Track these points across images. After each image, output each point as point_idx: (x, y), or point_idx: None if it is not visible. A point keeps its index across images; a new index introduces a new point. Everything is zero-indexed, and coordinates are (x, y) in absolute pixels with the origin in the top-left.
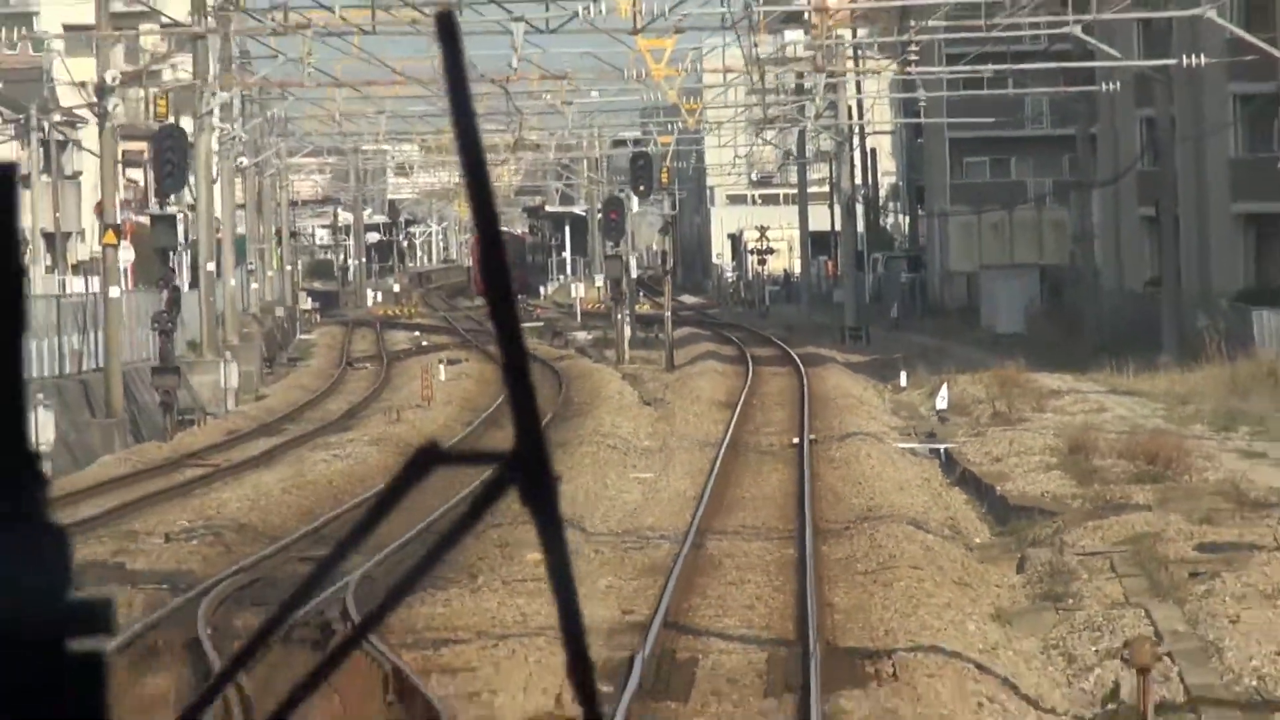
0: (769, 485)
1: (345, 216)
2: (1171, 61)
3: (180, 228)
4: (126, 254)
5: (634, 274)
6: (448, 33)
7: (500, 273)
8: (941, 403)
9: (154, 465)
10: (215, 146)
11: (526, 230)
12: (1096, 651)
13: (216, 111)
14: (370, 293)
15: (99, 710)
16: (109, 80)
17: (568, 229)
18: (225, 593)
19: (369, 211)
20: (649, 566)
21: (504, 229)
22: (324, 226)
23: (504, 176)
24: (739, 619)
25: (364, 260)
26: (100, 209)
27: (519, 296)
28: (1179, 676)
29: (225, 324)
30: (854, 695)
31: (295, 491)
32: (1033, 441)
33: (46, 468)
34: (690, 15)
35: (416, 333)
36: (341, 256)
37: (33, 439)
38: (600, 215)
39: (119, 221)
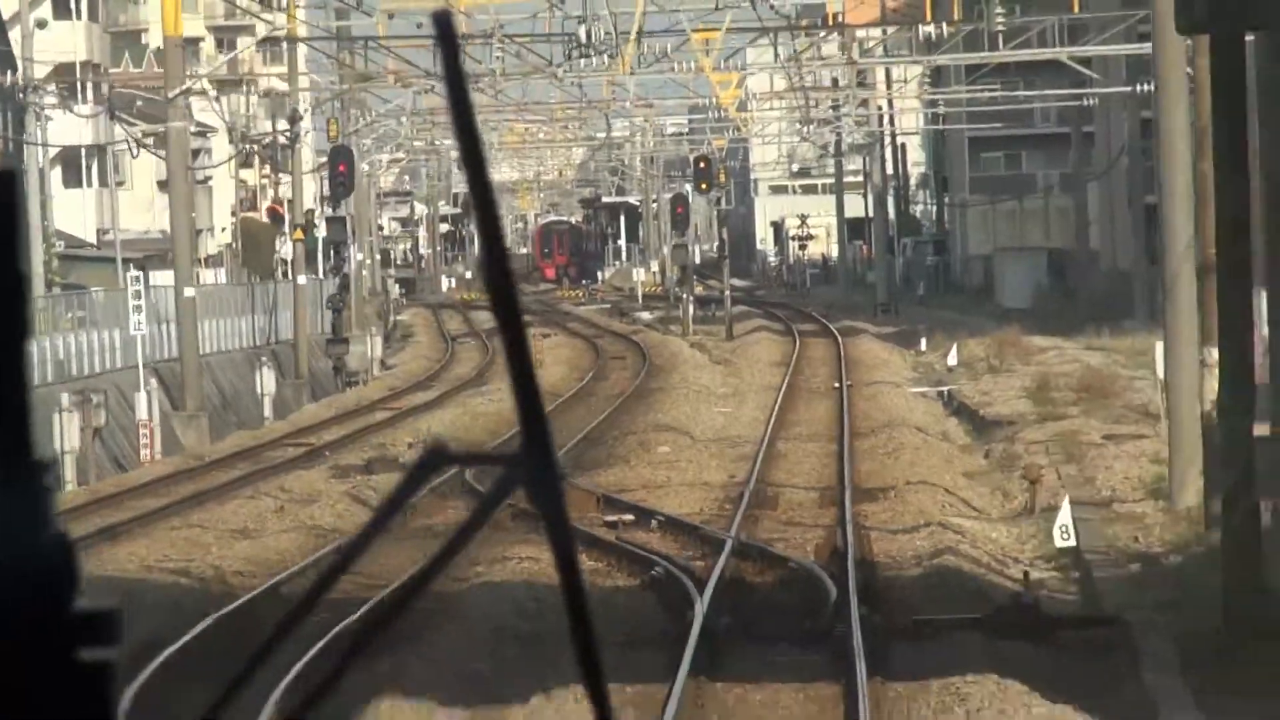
0: (818, 411)
1: (419, 208)
2: (1127, 89)
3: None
4: (291, 249)
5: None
6: (446, 33)
7: (502, 272)
8: (951, 360)
9: (350, 410)
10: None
11: (581, 219)
12: (1022, 489)
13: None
14: (445, 279)
15: None
16: (301, 109)
17: (623, 219)
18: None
19: (442, 203)
20: (740, 456)
21: (562, 218)
22: (395, 219)
23: (563, 171)
24: (802, 479)
25: (437, 249)
26: (280, 210)
27: (583, 281)
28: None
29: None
30: (870, 505)
31: (481, 418)
32: (1013, 384)
33: (269, 412)
34: (744, 51)
35: None
36: (408, 245)
37: (38, 445)
38: (655, 207)
39: (302, 221)
